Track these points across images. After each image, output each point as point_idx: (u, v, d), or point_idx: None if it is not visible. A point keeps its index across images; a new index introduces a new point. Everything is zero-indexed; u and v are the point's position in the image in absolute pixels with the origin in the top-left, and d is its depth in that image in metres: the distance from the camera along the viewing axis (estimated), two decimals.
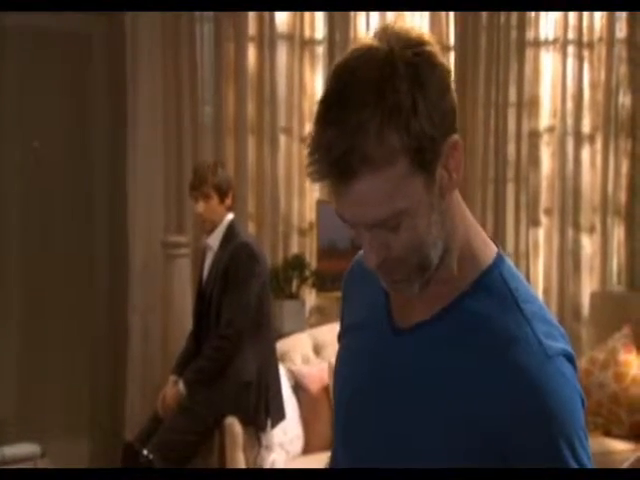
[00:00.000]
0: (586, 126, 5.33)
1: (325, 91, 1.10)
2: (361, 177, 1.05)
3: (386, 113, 1.04)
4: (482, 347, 1.12)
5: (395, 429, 1.16)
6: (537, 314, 1.14)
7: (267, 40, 4.88)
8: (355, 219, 1.10)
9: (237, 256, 3.81)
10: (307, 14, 4.95)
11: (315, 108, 1.10)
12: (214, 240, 3.91)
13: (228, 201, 3.91)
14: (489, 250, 1.19)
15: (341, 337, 1.36)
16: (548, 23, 5.29)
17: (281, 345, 4.38)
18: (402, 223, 1.09)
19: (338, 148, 1.04)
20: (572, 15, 5.28)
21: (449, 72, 1.11)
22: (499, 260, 1.18)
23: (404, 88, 1.05)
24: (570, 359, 1.13)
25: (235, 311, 3.75)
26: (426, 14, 5.14)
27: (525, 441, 1.08)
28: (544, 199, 5.33)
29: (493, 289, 1.15)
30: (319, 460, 3.61)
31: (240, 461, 3.81)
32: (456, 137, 1.10)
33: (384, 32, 1.10)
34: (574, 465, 1.08)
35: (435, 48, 1.11)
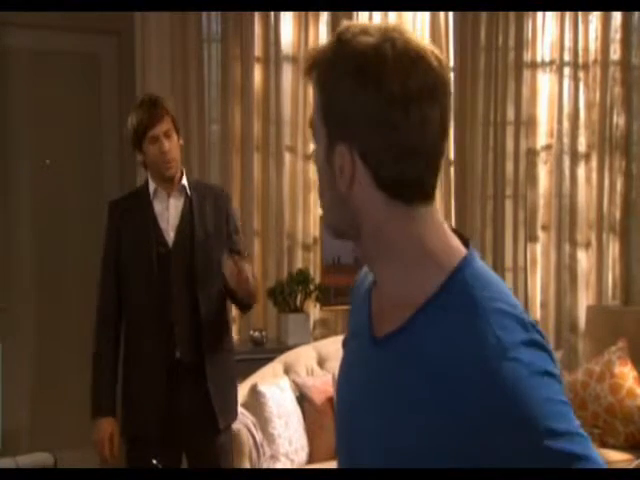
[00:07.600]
0: (582, 145, 5.44)
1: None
2: None
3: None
4: (444, 357, 1.10)
5: (380, 441, 1.16)
6: (495, 309, 1.11)
7: (273, 61, 5.00)
8: None
9: None
10: (311, 36, 5.08)
11: None
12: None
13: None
14: (454, 254, 1.17)
15: (343, 346, 1.40)
16: (545, 45, 5.41)
17: (286, 357, 4.49)
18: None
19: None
20: (568, 38, 5.41)
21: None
22: (464, 264, 1.16)
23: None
24: (531, 344, 1.09)
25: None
26: (426, 35, 5.26)
27: (504, 443, 1.05)
28: (541, 215, 5.43)
29: (454, 295, 1.13)
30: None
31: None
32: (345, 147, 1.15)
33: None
34: (562, 446, 1.04)
35: None
